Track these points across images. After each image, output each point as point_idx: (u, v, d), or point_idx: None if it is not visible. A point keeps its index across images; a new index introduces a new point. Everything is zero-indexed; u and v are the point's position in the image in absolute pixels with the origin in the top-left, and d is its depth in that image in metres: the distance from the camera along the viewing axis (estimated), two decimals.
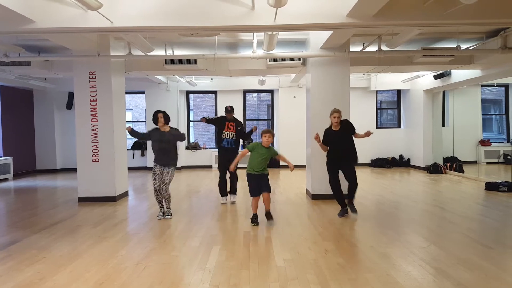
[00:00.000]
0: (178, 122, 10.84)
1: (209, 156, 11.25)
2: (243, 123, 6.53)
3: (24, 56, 6.34)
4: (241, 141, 6.30)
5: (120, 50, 6.64)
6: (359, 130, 5.10)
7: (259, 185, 4.61)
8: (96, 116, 6.29)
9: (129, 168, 7.30)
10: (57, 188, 8.03)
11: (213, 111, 11.94)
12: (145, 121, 12.05)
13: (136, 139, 5.31)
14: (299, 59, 6.65)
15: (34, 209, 5.81)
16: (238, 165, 6.23)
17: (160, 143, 5.00)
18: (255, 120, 13.04)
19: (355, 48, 6.56)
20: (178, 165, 10.95)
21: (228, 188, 6.07)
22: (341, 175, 5.06)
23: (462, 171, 9.04)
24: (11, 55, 6.12)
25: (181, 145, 10.10)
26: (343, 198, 5.08)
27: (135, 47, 5.99)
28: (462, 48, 6.07)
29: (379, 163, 10.95)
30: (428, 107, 10.06)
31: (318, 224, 4.67)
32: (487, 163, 9.55)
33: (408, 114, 11.07)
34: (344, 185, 5.04)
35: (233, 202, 6.01)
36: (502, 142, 10.03)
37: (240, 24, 4.32)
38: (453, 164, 9.29)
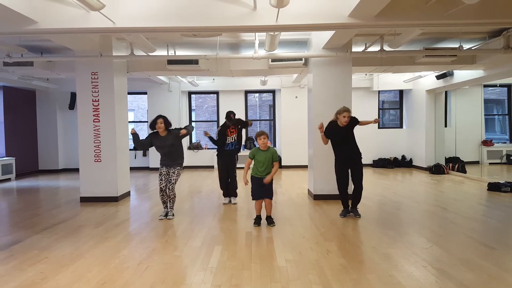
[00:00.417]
0: (180, 122, 10.85)
1: (211, 156, 11.26)
2: (242, 119, 6.49)
3: (27, 56, 6.36)
4: (243, 142, 6.29)
5: (122, 51, 6.65)
6: (361, 130, 5.08)
7: (262, 189, 4.59)
8: (98, 117, 6.30)
9: (131, 168, 7.31)
10: (59, 188, 8.06)
11: (215, 112, 11.94)
12: (147, 121, 12.08)
13: (135, 145, 5.15)
14: (301, 59, 6.65)
15: (36, 209, 5.83)
16: (238, 165, 6.27)
17: (164, 148, 4.99)
18: (257, 120, 13.03)
19: (357, 48, 6.55)
20: (183, 164, 11.02)
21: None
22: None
23: (465, 172, 9.01)
24: (14, 55, 6.14)
25: (183, 146, 10.10)
26: (348, 200, 5.07)
27: (137, 48, 6.00)
28: (464, 48, 6.04)
29: (381, 164, 10.93)
30: (430, 107, 10.03)
31: (320, 225, 4.66)
32: (489, 163, 9.52)
33: (410, 114, 11.04)
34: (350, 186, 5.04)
35: (234, 203, 6.01)
36: (505, 143, 10.00)
37: (242, 25, 4.32)
38: (456, 164, 9.26)
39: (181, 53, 7.11)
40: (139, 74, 7.97)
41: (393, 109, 12.22)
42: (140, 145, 5.11)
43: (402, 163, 10.99)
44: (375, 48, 6.23)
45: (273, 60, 6.79)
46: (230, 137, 5.92)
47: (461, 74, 8.34)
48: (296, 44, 6.85)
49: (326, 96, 6.23)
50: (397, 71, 8.62)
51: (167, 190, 5.01)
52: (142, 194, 7.24)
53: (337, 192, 5.08)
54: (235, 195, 6.10)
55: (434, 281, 2.93)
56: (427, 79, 9.71)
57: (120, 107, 6.53)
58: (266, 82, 10.09)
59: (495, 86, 9.95)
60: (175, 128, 5.14)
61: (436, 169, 9.43)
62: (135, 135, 5.07)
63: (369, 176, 9.08)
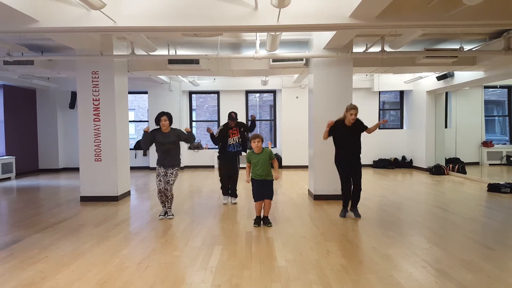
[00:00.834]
0: (180, 122, 10.85)
1: (211, 156, 11.26)
2: (245, 123, 6.50)
3: (27, 55, 6.36)
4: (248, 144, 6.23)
5: (123, 50, 6.65)
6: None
7: (262, 191, 4.59)
8: (99, 116, 6.30)
9: (132, 168, 7.31)
10: (59, 187, 8.06)
11: (215, 111, 11.94)
12: (147, 121, 12.07)
13: (141, 144, 5.14)
14: (302, 59, 6.65)
15: (36, 209, 5.83)
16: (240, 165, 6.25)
17: (164, 145, 4.98)
18: (257, 120, 13.03)
19: (358, 49, 6.55)
20: (181, 165, 11.03)
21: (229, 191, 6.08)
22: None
23: (465, 173, 9.01)
24: (14, 54, 6.14)
25: (183, 145, 10.09)
26: (349, 201, 5.09)
27: (138, 47, 6.00)
28: (465, 49, 6.05)
29: (382, 164, 10.93)
30: (430, 108, 10.03)
31: (320, 225, 4.67)
32: (489, 164, 9.53)
33: (410, 115, 11.05)
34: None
35: (234, 203, 6.01)
36: (505, 144, 10.01)
37: (243, 25, 4.32)
38: (456, 165, 9.26)
39: (182, 52, 7.11)
40: (139, 73, 7.97)
41: (393, 110, 12.22)
42: (145, 143, 5.06)
43: (402, 164, 11.00)
44: (376, 48, 6.23)
45: (274, 60, 6.79)
46: (231, 138, 5.88)
47: (462, 75, 8.34)
48: (297, 44, 6.85)
49: (327, 96, 6.23)
50: (397, 72, 8.62)
51: (165, 191, 5.01)
52: (142, 194, 7.24)
53: (337, 193, 5.10)
54: (235, 196, 6.10)
55: (434, 281, 2.93)
56: (428, 80, 9.71)
57: (120, 107, 6.53)
58: (267, 82, 10.10)
59: (495, 87, 9.96)
60: (177, 129, 5.15)
61: (436, 170, 9.43)
62: (146, 134, 5.01)
63: (369, 177, 9.08)
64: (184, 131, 5.18)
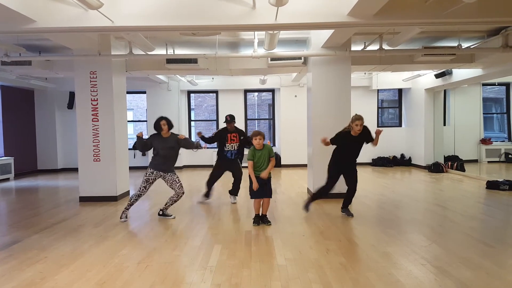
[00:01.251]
0: (179, 121, 10.85)
1: (210, 156, 11.24)
2: (244, 123, 6.48)
3: (25, 56, 6.34)
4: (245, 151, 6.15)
5: (121, 50, 6.64)
6: None
7: (262, 189, 4.57)
8: (97, 116, 6.29)
9: (130, 168, 7.29)
10: (58, 188, 8.05)
11: (214, 111, 11.93)
12: (146, 121, 12.06)
13: (137, 147, 5.05)
14: (300, 58, 6.64)
15: (35, 209, 5.82)
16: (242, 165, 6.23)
17: (164, 150, 4.87)
18: (256, 119, 13.04)
19: (356, 47, 6.55)
20: (180, 164, 11.04)
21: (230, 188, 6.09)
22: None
23: (463, 170, 9.03)
24: (12, 55, 6.12)
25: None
26: (320, 198, 5.14)
27: (136, 47, 5.99)
28: (463, 47, 6.05)
29: (381, 162, 10.94)
30: (429, 106, 10.05)
31: (320, 223, 4.67)
32: (488, 162, 9.55)
33: (409, 113, 11.06)
34: (342, 188, 5.04)
35: (234, 203, 6.01)
36: (503, 141, 10.03)
37: (241, 23, 4.31)
38: (454, 163, 9.28)
39: (180, 52, 7.09)
40: (138, 73, 7.95)
41: (392, 108, 12.23)
42: (140, 147, 5.00)
43: (401, 162, 11.01)
44: (374, 47, 6.24)
45: (272, 59, 6.79)
46: (229, 144, 5.79)
47: (460, 73, 8.36)
48: (295, 43, 6.84)
49: (325, 95, 6.23)
50: (396, 70, 8.63)
51: (181, 194, 4.93)
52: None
53: (336, 191, 5.08)
54: (236, 194, 6.09)
55: (433, 279, 2.93)
56: (426, 78, 9.72)
57: (119, 107, 6.52)
58: (265, 81, 10.09)
59: (493, 84, 9.97)
60: (176, 134, 5.03)
61: (435, 168, 9.45)
62: (140, 139, 4.95)
63: (368, 175, 9.09)
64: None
